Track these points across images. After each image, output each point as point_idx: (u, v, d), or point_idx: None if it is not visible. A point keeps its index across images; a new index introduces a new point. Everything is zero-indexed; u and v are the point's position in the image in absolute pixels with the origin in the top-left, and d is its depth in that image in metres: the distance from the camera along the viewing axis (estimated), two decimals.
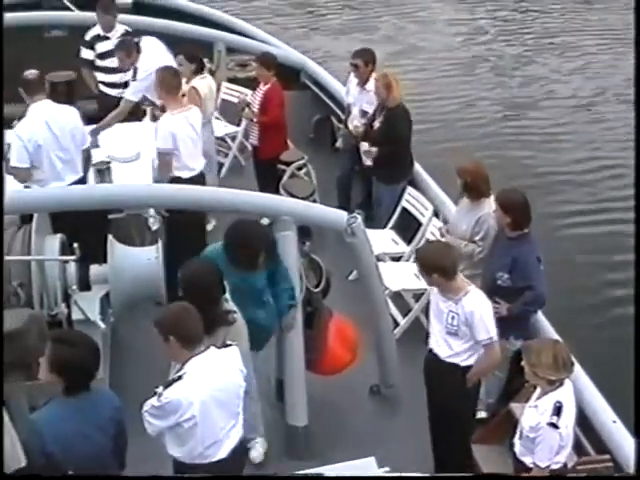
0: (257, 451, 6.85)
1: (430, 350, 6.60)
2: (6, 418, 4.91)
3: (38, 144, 7.86)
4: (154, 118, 9.52)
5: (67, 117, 8.11)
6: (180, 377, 5.20)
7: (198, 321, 5.33)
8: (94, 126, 9.36)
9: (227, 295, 6.21)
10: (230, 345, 5.56)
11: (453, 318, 6.32)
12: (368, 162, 9.52)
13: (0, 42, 8.93)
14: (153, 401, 5.21)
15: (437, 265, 6.29)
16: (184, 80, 9.16)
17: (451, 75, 16.54)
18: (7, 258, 6.62)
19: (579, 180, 12.75)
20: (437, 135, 13.62)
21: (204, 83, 9.65)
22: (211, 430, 5.31)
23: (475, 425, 6.75)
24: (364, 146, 9.49)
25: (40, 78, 8.40)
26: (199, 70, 9.71)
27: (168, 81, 8.44)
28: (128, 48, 9.88)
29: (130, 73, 10.15)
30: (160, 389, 5.19)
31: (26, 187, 7.91)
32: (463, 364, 6.41)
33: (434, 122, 14.09)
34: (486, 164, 8.18)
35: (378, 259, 7.72)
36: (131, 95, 9.78)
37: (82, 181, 8.16)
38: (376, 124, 9.36)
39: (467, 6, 20.47)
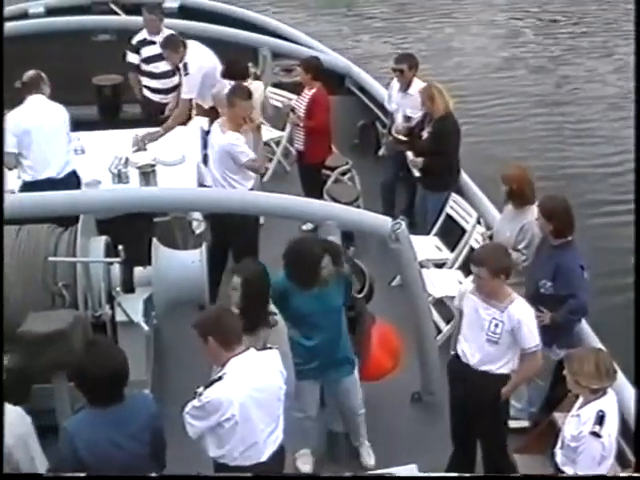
0: (304, 462, 6.88)
1: (457, 357, 6.55)
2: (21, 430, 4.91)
3: (25, 130, 8.17)
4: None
5: (56, 112, 8.44)
6: (220, 377, 5.22)
7: (237, 322, 5.36)
8: (156, 129, 9.56)
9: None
10: (270, 348, 5.58)
11: (497, 326, 6.25)
12: (416, 173, 9.48)
13: (0, 42, 9.02)
14: (194, 402, 5.23)
15: (506, 266, 6.21)
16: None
17: (488, 77, 16.57)
18: (53, 259, 6.70)
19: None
20: (478, 136, 13.52)
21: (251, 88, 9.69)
22: (251, 431, 5.32)
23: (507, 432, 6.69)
24: (410, 156, 9.46)
25: (37, 78, 8.54)
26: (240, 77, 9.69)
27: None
28: (174, 43, 10.00)
29: (175, 79, 10.26)
30: (201, 389, 5.21)
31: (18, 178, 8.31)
32: (497, 372, 6.35)
33: (475, 124, 14.03)
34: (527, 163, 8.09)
35: (421, 265, 7.71)
36: (187, 94, 9.95)
37: (75, 174, 8.43)
38: (424, 134, 9.32)
39: (504, 8, 20.44)
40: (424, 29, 19.37)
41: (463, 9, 20.47)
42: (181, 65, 9.96)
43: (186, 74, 9.93)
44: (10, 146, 8.19)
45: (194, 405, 5.23)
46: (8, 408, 4.90)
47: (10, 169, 8.41)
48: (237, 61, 10.02)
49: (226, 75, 9.75)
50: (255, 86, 9.72)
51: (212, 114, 9.81)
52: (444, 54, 17.61)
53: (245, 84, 9.48)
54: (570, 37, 18.76)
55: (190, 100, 10.03)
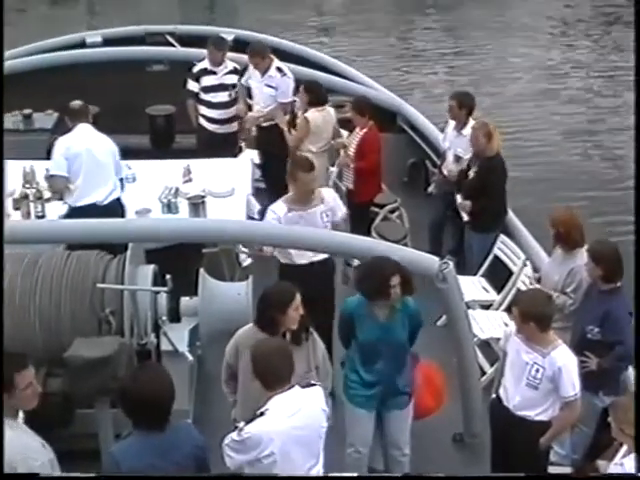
0: None
1: (499, 399, 6.50)
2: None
3: (75, 155, 8.28)
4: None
5: (106, 143, 8.54)
6: (262, 413, 5.23)
7: (286, 363, 5.37)
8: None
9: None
10: (314, 385, 5.59)
11: (537, 371, 6.21)
12: (465, 217, 9.47)
13: (0, 45, 9.11)
14: (234, 435, 5.24)
15: (537, 314, 6.15)
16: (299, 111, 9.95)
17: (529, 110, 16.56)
18: (101, 285, 6.74)
19: None
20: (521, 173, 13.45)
21: (318, 115, 9.87)
22: (290, 468, 5.31)
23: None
24: (459, 199, 9.46)
25: (84, 108, 8.62)
26: (314, 102, 9.90)
27: None
28: (264, 50, 10.42)
29: (232, 110, 10.54)
30: (242, 424, 5.22)
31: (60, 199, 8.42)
32: (536, 418, 6.30)
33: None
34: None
35: (468, 306, 7.66)
36: (284, 98, 10.41)
37: (119, 202, 8.52)
38: (470, 174, 9.31)
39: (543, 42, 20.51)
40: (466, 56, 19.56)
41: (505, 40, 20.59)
42: (273, 69, 10.30)
43: (283, 75, 10.30)
44: (62, 169, 8.32)
45: (234, 439, 5.24)
46: (28, 441, 4.89)
47: (55, 192, 8.55)
48: (320, 85, 10.24)
49: (309, 96, 9.93)
50: (328, 111, 9.98)
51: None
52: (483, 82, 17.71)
53: (312, 110, 9.77)
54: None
55: (287, 104, 10.38)
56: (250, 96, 10.81)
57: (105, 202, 8.37)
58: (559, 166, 14.23)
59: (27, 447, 4.84)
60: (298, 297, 6.04)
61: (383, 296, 6.40)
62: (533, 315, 6.15)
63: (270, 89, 10.37)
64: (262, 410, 5.26)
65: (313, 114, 9.81)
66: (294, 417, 5.29)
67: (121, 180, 8.69)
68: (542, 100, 16.95)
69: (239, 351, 6.16)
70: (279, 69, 10.37)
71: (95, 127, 8.51)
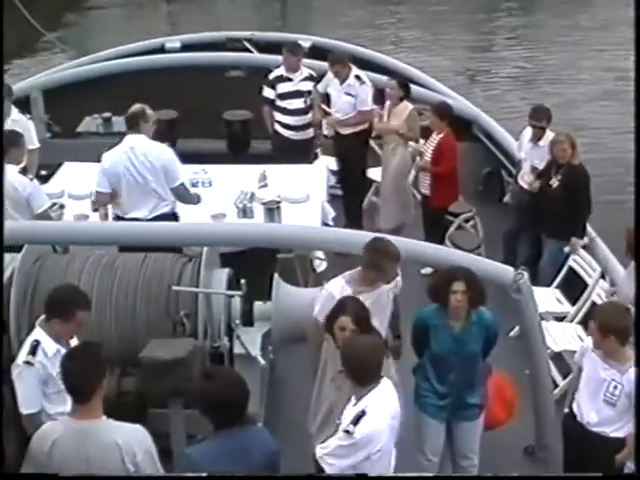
0: None
1: (573, 414, 6.44)
2: None
3: (115, 173, 8.21)
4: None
5: (155, 153, 8.25)
6: (364, 412, 5.27)
7: (378, 358, 5.44)
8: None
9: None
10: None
11: (615, 388, 6.13)
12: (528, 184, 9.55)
13: (0, 42, 9.18)
14: (338, 441, 5.30)
15: (617, 327, 6.07)
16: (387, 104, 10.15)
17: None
18: (176, 288, 6.81)
19: None
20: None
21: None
22: (389, 459, 5.44)
23: None
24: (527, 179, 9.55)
25: (136, 116, 8.46)
26: (408, 97, 10.20)
27: None
28: (345, 58, 10.58)
29: (307, 117, 10.71)
30: (349, 427, 5.25)
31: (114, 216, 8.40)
32: (612, 435, 6.23)
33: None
34: None
35: (541, 317, 7.59)
36: (364, 106, 10.48)
37: (174, 215, 8.36)
38: (554, 182, 9.23)
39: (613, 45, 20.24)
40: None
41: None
42: (352, 77, 10.37)
43: (362, 83, 10.38)
44: (103, 186, 8.30)
45: (341, 445, 5.29)
46: (132, 426, 5.00)
47: (96, 210, 8.60)
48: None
49: (404, 90, 10.20)
50: (404, 106, 10.13)
51: None
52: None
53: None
54: None
55: (367, 112, 10.44)
56: (329, 104, 10.84)
57: (150, 217, 8.23)
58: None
59: (139, 431, 4.98)
60: (344, 318, 6.02)
61: (441, 299, 6.40)
62: (613, 328, 6.05)
63: (349, 97, 10.42)
64: (363, 408, 5.31)
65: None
66: (389, 408, 5.40)
67: (181, 187, 8.32)
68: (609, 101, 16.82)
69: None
70: (358, 77, 10.42)
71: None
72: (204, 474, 4.89)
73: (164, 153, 8.28)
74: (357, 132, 10.55)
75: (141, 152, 8.22)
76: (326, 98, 10.89)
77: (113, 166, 8.22)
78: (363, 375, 5.38)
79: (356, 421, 5.27)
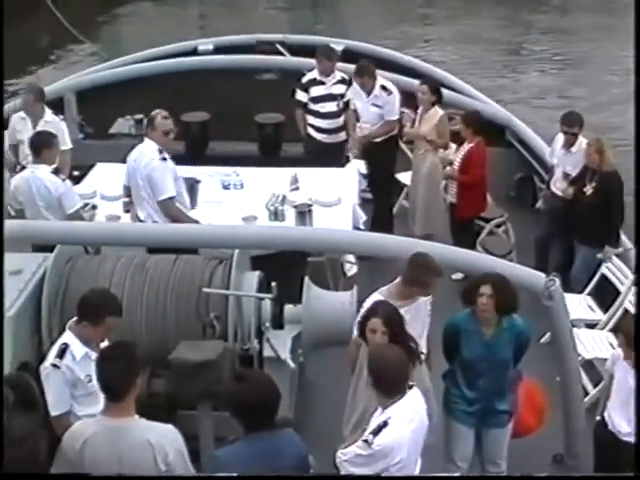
0: None
1: (604, 424, 6.39)
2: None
3: (126, 175, 8.52)
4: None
5: (143, 165, 8.37)
6: (386, 423, 5.25)
7: (404, 370, 5.41)
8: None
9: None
10: (412, 386, 5.58)
11: None
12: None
13: (0, 41, 9.20)
14: (357, 449, 5.27)
15: None
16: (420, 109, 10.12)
17: None
18: (207, 290, 6.82)
19: None
20: None
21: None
22: (408, 470, 5.37)
23: None
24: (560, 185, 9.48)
25: (149, 121, 8.52)
26: (440, 102, 10.19)
27: None
28: (371, 70, 10.47)
29: (340, 120, 10.64)
30: (369, 437, 5.23)
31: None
32: None
33: None
34: None
35: (573, 324, 7.54)
36: (391, 116, 10.45)
37: None
38: (588, 189, 9.17)
39: None
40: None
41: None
42: (377, 88, 10.33)
43: (389, 93, 10.34)
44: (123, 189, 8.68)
45: (360, 453, 5.27)
46: (164, 425, 5.02)
47: (128, 211, 8.78)
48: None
49: (436, 96, 10.17)
50: (435, 112, 10.09)
51: None
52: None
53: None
54: None
55: (395, 121, 10.44)
56: (357, 117, 10.79)
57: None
58: None
59: (171, 431, 5.02)
60: (375, 320, 6.00)
61: (470, 302, 6.39)
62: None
63: (376, 108, 10.41)
64: (385, 419, 5.29)
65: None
66: (412, 422, 5.36)
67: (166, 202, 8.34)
68: None
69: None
70: (384, 87, 10.38)
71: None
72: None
73: (151, 166, 8.27)
74: (386, 137, 10.54)
75: (140, 159, 8.36)
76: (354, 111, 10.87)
77: (126, 170, 8.56)
78: (388, 386, 5.36)
79: (377, 432, 5.25)
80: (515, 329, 6.48)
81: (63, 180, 8.46)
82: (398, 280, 6.63)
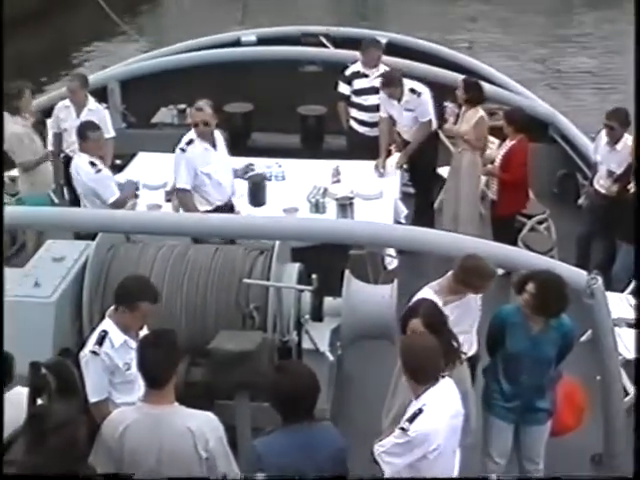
0: None
1: None
2: None
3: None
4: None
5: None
6: (421, 410, 5.23)
7: (436, 357, 5.38)
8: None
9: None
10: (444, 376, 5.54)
11: None
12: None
13: (1, 43, 9.24)
14: (394, 439, 5.25)
15: None
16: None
17: None
18: (247, 281, 6.83)
19: None
20: None
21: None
22: (449, 458, 5.38)
23: None
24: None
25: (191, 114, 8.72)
26: (476, 101, 10.03)
27: None
28: (398, 78, 10.21)
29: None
30: (405, 424, 5.21)
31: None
32: None
33: None
34: None
35: (614, 323, 7.47)
36: (425, 116, 10.27)
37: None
38: (632, 187, 9.08)
39: None
40: None
41: None
42: (407, 93, 10.16)
43: (419, 95, 10.17)
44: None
45: (396, 442, 5.25)
46: (205, 413, 5.05)
47: (169, 200, 9.01)
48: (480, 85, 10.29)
49: (470, 95, 10.01)
50: (474, 111, 9.97)
51: None
52: None
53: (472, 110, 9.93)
54: None
55: (430, 122, 10.28)
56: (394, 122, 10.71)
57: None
58: None
59: (211, 419, 5.05)
60: (415, 321, 5.90)
61: (519, 291, 6.32)
62: None
63: (410, 112, 10.29)
64: (419, 406, 5.27)
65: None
66: (450, 407, 5.35)
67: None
68: None
69: None
70: (412, 90, 10.20)
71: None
72: (269, 466, 4.89)
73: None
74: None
75: None
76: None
77: None
78: (418, 374, 5.34)
79: (412, 419, 5.24)
80: (562, 328, 6.43)
81: (98, 171, 8.55)
82: (449, 275, 6.58)
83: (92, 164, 8.55)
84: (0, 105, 9.44)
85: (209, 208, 8.48)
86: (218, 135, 8.64)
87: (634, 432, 5.98)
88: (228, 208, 8.53)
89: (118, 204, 8.47)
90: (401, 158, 10.22)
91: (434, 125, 10.40)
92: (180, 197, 8.50)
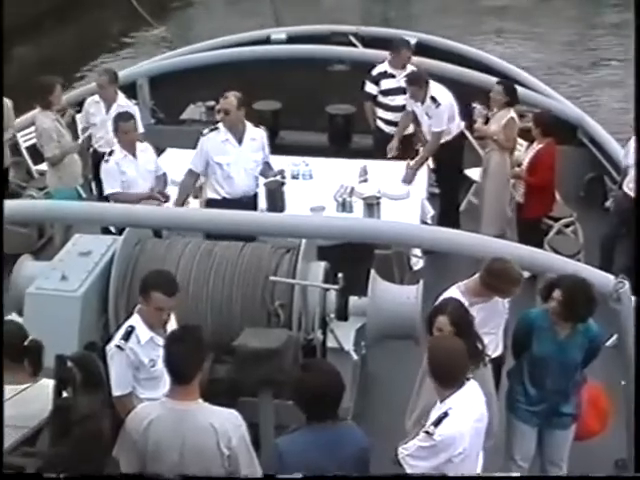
0: None
1: None
2: None
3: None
4: None
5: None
6: (446, 413, 5.22)
7: (462, 361, 5.36)
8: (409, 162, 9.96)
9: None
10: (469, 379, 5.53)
11: None
12: None
13: (1, 43, 9.26)
14: (418, 442, 5.24)
15: None
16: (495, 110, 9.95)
17: None
18: (273, 279, 6.84)
19: None
20: None
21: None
22: (470, 461, 5.35)
23: None
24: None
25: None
26: (511, 103, 10.01)
27: None
28: (422, 80, 10.15)
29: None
30: (430, 428, 5.21)
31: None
32: None
33: None
34: None
35: None
36: (438, 127, 10.12)
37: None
38: None
39: None
40: None
41: None
42: (428, 99, 10.10)
43: (437, 105, 10.06)
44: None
45: (421, 446, 5.24)
46: (228, 410, 5.06)
47: (196, 196, 9.19)
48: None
49: (507, 98, 9.97)
50: (505, 113, 9.93)
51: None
52: None
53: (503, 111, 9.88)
54: None
55: (441, 132, 10.17)
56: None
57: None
58: None
59: (235, 417, 5.06)
60: (442, 319, 5.90)
61: (546, 297, 6.31)
62: None
63: (427, 118, 10.25)
64: (445, 410, 5.26)
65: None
66: (475, 411, 5.34)
67: None
68: None
69: None
70: (433, 99, 10.11)
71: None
72: (291, 465, 4.89)
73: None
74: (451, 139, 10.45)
75: None
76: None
77: None
78: (445, 378, 5.32)
79: (437, 422, 5.22)
80: (589, 334, 6.40)
81: (106, 161, 8.74)
82: (476, 277, 6.56)
83: (109, 153, 8.76)
84: (0, 102, 9.52)
85: (217, 197, 8.68)
86: (253, 132, 8.70)
87: (634, 432, 5.93)
88: (242, 205, 8.43)
89: (113, 198, 8.61)
90: (415, 165, 10.09)
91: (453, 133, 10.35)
92: (184, 176, 8.85)
